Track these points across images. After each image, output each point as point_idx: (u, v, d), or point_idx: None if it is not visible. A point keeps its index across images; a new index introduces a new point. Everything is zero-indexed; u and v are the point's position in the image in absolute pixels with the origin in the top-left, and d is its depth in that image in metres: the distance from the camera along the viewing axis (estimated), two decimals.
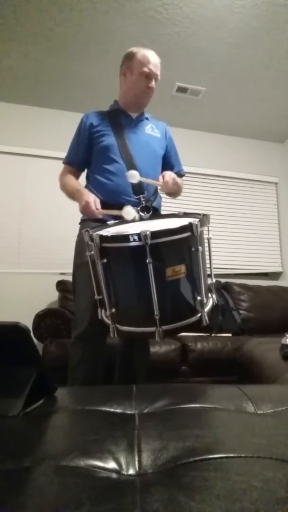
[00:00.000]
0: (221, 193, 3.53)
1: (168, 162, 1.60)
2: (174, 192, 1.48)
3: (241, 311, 2.78)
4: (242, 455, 0.45)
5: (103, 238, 0.89)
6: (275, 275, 3.61)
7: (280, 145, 3.80)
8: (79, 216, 1.50)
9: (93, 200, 1.27)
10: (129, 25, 2.25)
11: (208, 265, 1.00)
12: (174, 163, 1.62)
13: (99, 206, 1.28)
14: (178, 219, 1.09)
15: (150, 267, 0.83)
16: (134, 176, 1.24)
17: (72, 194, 1.43)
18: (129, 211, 1.18)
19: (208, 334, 2.41)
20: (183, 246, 0.89)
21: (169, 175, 1.38)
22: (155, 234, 0.83)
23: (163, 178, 1.37)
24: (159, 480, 0.41)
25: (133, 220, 1.19)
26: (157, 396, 0.68)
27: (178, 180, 1.45)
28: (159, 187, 1.41)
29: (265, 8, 2.13)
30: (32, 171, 3.03)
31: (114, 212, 1.26)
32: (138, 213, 1.24)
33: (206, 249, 0.97)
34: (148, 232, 0.82)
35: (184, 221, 0.90)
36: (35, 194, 3.00)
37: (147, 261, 0.83)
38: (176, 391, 0.74)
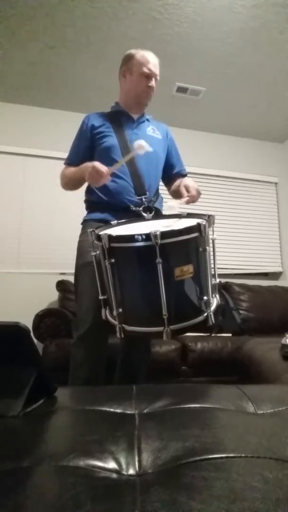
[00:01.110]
0: (221, 193, 3.53)
1: (169, 162, 1.60)
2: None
3: (241, 311, 2.78)
4: (242, 455, 0.45)
5: (111, 238, 0.88)
6: (275, 275, 3.61)
7: (280, 145, 3.80)
8: (79, 215, 1.50)
9: (98, 163, 1.24)
10: (129, 25, 2.25)
11: (212, 266, 1.00)
12: (175, 163, 1.62)
13: (106, 168, 1.23)
14: (183, 219, 1.09)
15: (160, 267, 0.83)
16: (172, 208, 1.16)
17: (75, 175, 1.41)
18: (140, 144, 1.17)
19: (208, 334, 2.41)
20: (191, 246, 0.90)
21: (193, 187, 1.34)
22: (165, 234, 0.83)
23: (188, 191, 1.33)
24: (159, 480, 0.41)
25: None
26: (157, 396, 0.68)
27: (197, 186, 1.40)
28: (184, 199, 1.31)
29: (265, 8, 2.13)
30: (32, 171, 3.03)
31: (125, 158, 1.24)
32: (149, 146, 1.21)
33: (211, 249, 0.97)
34: (158, 232, 0.82)
35: (192, 222, 0.90)
36: (35, 194, 3.00)
37: (157, 261, 0.83)
38: (176, 391, 0.74)
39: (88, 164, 1.28)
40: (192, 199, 1.33)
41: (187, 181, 1.42)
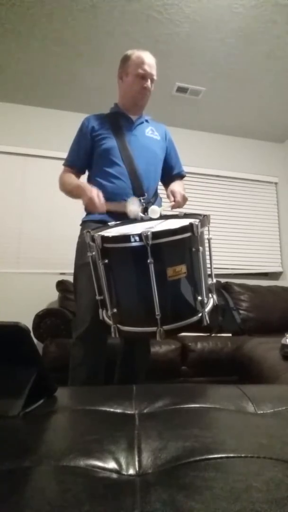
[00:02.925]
0: (221, 193, 3.53)
1: (168, 163, 1.60)
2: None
3: (241, 311, 2.78)
4: (242, 455, 0.45)
5: (104, 239, 0.89)
6: (275, 275, 3.61)
7: (280, 145, 3.80)
8: (79, 216, 1.50)
9: (97, 194, 1.26)
10: (129, 25, 2.25)
11: (208, 266, 1.00)
12: (174, 164, 1.63)
13: (103, 199, 1.27)
14: (179, 220, 1.09)
15: (151, 267, 0.84)
16: (155, 212, 1.23)
17: (72, 191, 1.42)
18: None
19: (208, 334, 2.41)
20: (184, 246, 0.90)
21: (179, 193, 1.39)
22: (156, 235, 0.84)
23: (174, 197, 1.38)
24: (159, 480, 0.41)
25: (139, 217, 1.21)
26: (157, 396, 0.68)
27: (184, 192, 1.44)
28: (169, 205, 1.40)
29: (265, 8, 2.13)
30: (32, 171, 3.03)
31: (119, 206, 1.26)
32: (142, 205, 1.27)
33: (207, 249, 0.97)
34: (149, 233, 0.82)
35: (185, 222, 0.90)
36: (35, 194, 3.00)
37: (148, 261, 0.83)
38: (176, 391, 0.74)
39: (87, 188, 1.30)
40: (177, 205, 1.37)
41: (175, 186, 1.46)
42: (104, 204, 1.27)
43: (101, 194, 1.28)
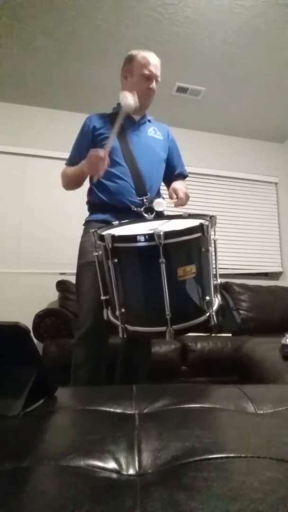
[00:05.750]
0: (221, 193, 3.53)
1: (170, 163, 1.60)
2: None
3: (241, 311, 2.78)
4: (242, 455, 0.45)
5: (114, 238, 0.89)
6: (275, 275, 3.61)
7: (280, 145, 3.80)
8: (79, 215, 1.50)
9: (93, 150, 1.26)
10: (129, 25, 2.25)
11: (214, 266, 1.00)
12: (176, 164, 1.62)
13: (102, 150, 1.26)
14: (184, 220, 1.10)
15: (163, 267, 0.84)
16: (160, 204, 1.24)
17: (75, 172, 1.42)
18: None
19: (208, 334, 2.41)
20: (194, 246, 0.90)
21: (181, 191, 1.37)
22: (168, 234, 0.84)
23: (176, 194, 1.36)
24: (159, 480, 0.41)
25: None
26: (157, 396, 0.68)
27: (186, 190, 1.42)
28: (173, 202, 1.38)
29: (265, 8, 2.13)
30: (32, 171, 3.03)
31: (112, 136, 1.28)
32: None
33: (213, 249, 0.98)
34: (161, 232, 0.82)
35: (195, 222, 0.91)
36: (35, 194, 3.00)
37: (160, 261, 0.83)
38: (176, 391, 0.74)
39: (86, 158, 1.30)
40: (180, 202, 1.35)
41: (177, 184, 1.44)
42: (105, 153, 1.25)
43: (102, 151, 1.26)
